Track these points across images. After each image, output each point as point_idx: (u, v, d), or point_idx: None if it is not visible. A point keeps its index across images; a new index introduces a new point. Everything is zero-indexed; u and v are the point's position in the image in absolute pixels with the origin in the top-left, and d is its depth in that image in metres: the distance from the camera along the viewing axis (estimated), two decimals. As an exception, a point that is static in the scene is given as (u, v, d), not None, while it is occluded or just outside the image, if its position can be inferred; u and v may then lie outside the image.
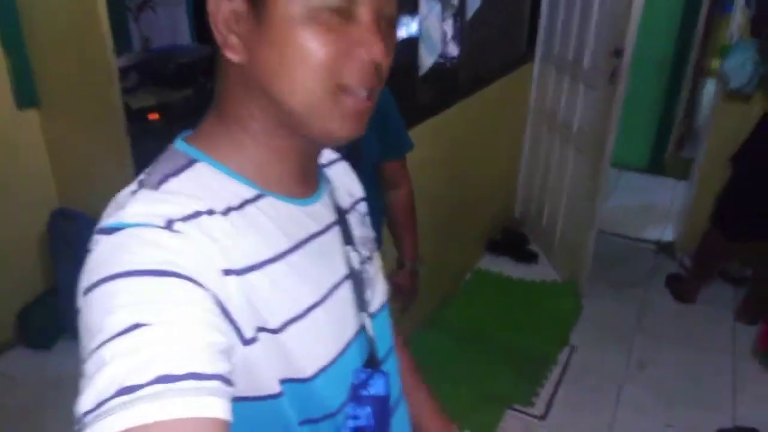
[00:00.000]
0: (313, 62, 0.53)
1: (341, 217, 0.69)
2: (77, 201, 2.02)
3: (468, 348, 2.54)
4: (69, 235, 2.01)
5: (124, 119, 1.68)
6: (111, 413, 0.40)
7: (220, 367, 0.46)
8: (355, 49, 0.54)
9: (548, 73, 3.08)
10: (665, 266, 3.24)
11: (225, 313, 0.50)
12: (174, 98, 2.17)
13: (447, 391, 2.32)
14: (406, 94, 2.03)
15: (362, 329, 0.67)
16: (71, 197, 2.06)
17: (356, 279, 0.67)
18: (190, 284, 0.48)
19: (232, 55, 0.55)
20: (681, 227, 3.36)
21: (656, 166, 4.31)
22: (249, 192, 0.57)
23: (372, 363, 0.67)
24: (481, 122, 2.78)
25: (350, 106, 0.56)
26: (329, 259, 0.64)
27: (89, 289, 0.47)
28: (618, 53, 2.38)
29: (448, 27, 2.34)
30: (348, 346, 0.64)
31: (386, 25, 0.56)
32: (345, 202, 0.73)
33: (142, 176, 0.56)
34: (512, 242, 3.34)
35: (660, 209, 3.88)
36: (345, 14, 0.53)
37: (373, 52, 0.54)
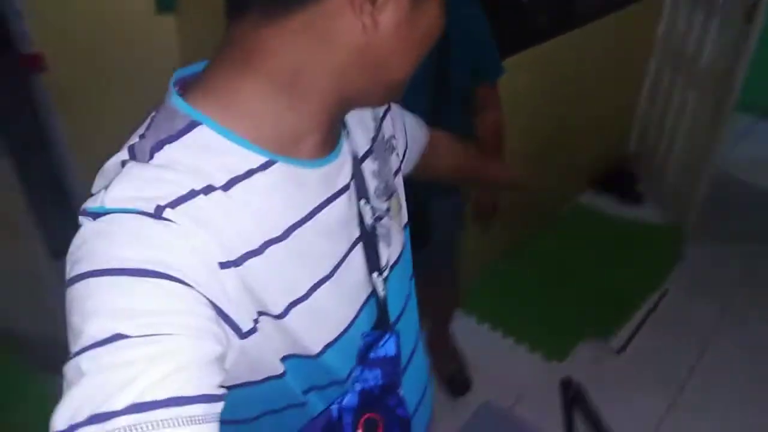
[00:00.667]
0: (432, 41, 0.54)
1: (356, 168, 0.63)
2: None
3: (552, 281, 2.55)
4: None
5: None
6: None
7: (207, 382, 0.42)
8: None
9: (680, 5, 2.86)
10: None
11: (219, 312, 0.47)
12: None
13: (520, 316, 2.38)
14: (510, 18, 2.01)
15: (373, 291, 0.64)
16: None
17: (368, 239, 0.63)
18: (179, 287, 0.44)
19: (359, 33, 0.48)
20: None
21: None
22: (257, 159, 0.51)
23: (382, 324, 0.65)
24: (597, 53, 2.67)
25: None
26: (341, 226, 0.59)
27: (72, 281, 0.44)
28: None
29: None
30: (358, 313, 0.62)
31: None
32: (363, 141, 0.67)
33: (134, 139, 0.51)
34: (618, 180, 3.24)
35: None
36: None
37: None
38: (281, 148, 0.52)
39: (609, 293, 2.48)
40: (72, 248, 0.46)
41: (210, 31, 2.17)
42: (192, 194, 0.47)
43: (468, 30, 1.42)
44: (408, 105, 1.52)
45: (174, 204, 0.46)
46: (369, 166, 0.66)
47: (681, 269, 2.70)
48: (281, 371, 0.56)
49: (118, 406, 0.38)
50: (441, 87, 1.43)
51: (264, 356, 0.53)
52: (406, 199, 0.76)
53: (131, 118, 0.58)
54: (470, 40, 1.43)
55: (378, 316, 0.65)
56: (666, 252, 2.77)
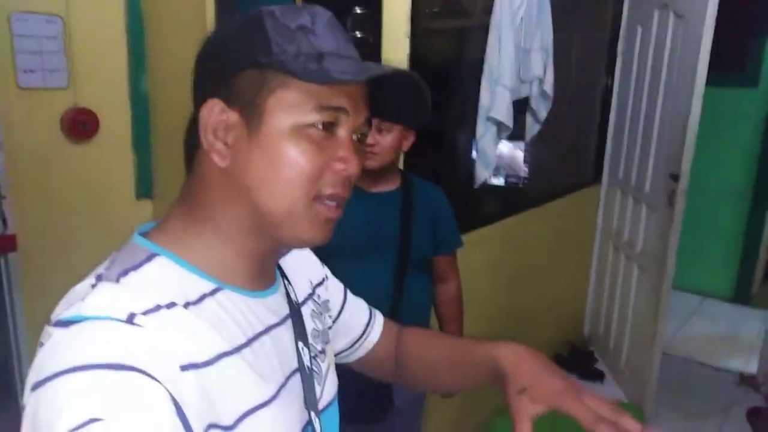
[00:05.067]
0: (298, 171, 0.57)
1: (295, 310, 0.70)
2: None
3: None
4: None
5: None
6: None
7: None
8: (335, 163, 0.59)
9: (614, 195, 3.20)
10: (746, 399, 3.06)
11: (178, 411, 0.49)
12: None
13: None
14: (464, 200, 2.24)
15: (309, 425, 0.67)
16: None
17: (306, 375, 0.67)
18: (147, 379, 0.47)
19: (218, 160, 0.58)
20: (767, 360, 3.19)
21: (743, 296, 4.14)
22: (207, 286, 0.59)
23: None
24: (547, 234, 2.91)
25: (322, 213, 0.60)
26: (284, 352, 0.65)
27: (40, 383, 0.47)
28: (675, 177, 2.49)
29: (509, 147, 2.59)
30: None
31: (358, 141, 0.63)
32: (302, 291, 0.75)
33: (100, 270, 0.57)
34: (579, 359, 3.31)
35: (745, 340, 3.69)
36: (327, 131, 0.59)
37: (350, 167, 0.60)
38: (226, 277, 0.61)
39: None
40: (40, 354, 0.50)
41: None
42: (158, 308, 0.53)
43: (429, 204, 1.58)
44: (374, 272, 1.60)
45: (144, 313, 0.52)
46: (308, 309, 0.74)
47: None
48: None
49: None
50: (404, 256, 1.54)
51: None
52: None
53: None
54: (431, 213, 1.59)
55: None
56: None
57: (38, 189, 1.74)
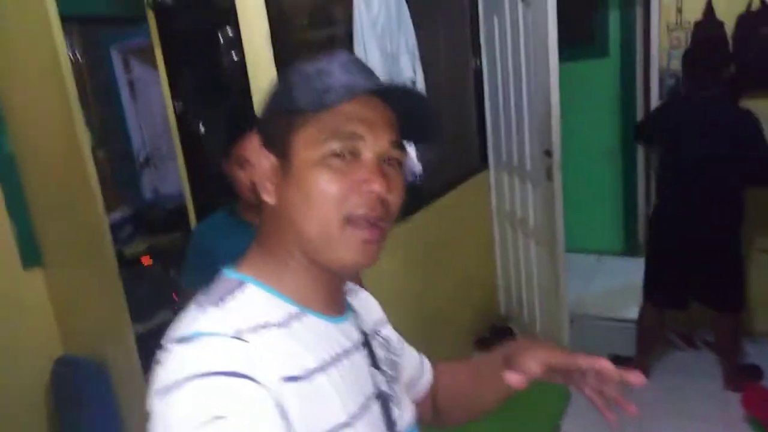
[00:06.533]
0: (325, 197, 0.63)
1: (366, 339, 0.75)
2: (80, 349, 2.18)
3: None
4: (72, 382, 2.16)
5: (116, 267, 1.91)
6: None
7: None
8: (360, 185, 0.64)
9: (502, 177, 3.38)
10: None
11: (284, 417, 0.56)
12: (164, 242, 2.45)
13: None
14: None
15: None
16: (74, 346, 2.23)
17: (384, 399, 0.72)
18: (257, 386, 0.55)
19: (269, 199, 0.67)
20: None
21: (632, 248, 4.48)
22: (292, 309, 0.66)
23: None
24: (448, 226, 3.03)
25: (357, 235, 0.64)
26: (360, 377, 0.70)
27: (167, 389, 0.54)
28: (548, 153, 2.67)
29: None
30: None
31: (390, 166, 0.67)
32: (368, 326, 0.80)
33: (200, 298, 0.65)
34: (500, 337, 3.45)
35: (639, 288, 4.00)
36: (351, 157, 0.64)
37: (373, 186, 0.63)
38: (304, 302, 0.68)
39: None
40: (164, 365, 0.57)
41: (74, 279, 2.17)
42: (257, 327, 0.60)
43: None
44: None
45: (249, 331, 0.59)
46: (375, 340, 0.79)
47: (571, 407, 2.82)
48: None
49: None
50: None
51: None
52: None
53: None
54: None
55: None
56: (553, 396, 2.90)
57: None
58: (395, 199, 0.67)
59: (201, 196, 2.13)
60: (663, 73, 3.21)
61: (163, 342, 0.60)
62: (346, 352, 0.69)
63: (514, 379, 0.72)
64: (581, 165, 4.23)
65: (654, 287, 2.82)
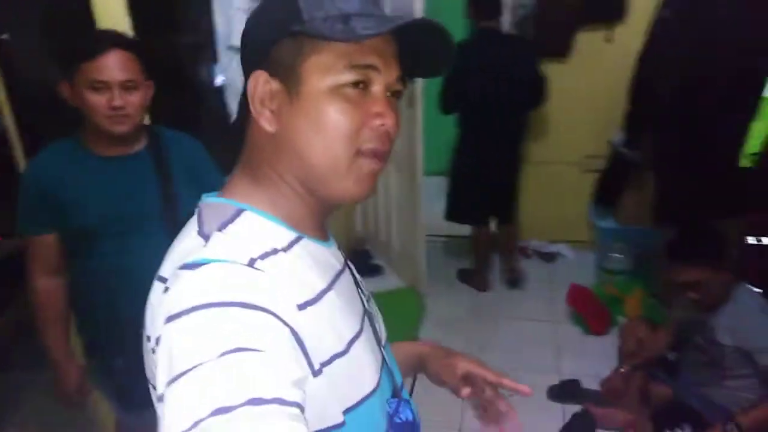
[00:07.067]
0: (338, 129, 0.61)
1: (346, 262, 0.76)
2: None
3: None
4: None
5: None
6: None
7: (298, 396, 0.51)
8: (372, 119, 0.63)
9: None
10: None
11: (301, 346, 0.56)
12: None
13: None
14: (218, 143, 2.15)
15: (384, 361, 0.74)
16: None
17: (369, 316, 0.75)
18: (273, 318, 0.54)
19: (267, 126, 0.64)
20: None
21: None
22: (291, 234, 0.65)
23: (396, 392, 0.75)
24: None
25: (365, 167, 0.64)
26: (352, 297, 0.72)
27: (176, 316, 0.52)
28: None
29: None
30: (380, 375, 0.71)
31: (393, 99, 0.66)
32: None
33: (195, 227, 0.63)
34: (356, 258, 3.57)
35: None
36: (362, 89, 0.62)
37: (386, 120, 0.63)
38: (300, 227, 0.67)
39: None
40: (172, 293, 0.55)
41: None
42: (267, 253, 0.60)
43: (185, 156, 1.48)
44: (149, 245, 1.48)
45: (261, 257, 0.59)
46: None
47: (428, 320, 3.06)
48: (341, 420, 0.62)
49: (238, 401, 0.46)
50: (172, 219, 1.41)
51: (327, 403, 0.60)
52: None
53: None
54: (189, 165, 1.48)
55: (393, 384, 0.75)
56: (411, 311, 3.11)
57: None
58: (396, 133, 0.67)
59: (29, 127, 1.87)
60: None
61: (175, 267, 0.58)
62: (338, 275, 0.70)
63: (465, 393, 0.84)
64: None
65: (458, 207, 3.17)
